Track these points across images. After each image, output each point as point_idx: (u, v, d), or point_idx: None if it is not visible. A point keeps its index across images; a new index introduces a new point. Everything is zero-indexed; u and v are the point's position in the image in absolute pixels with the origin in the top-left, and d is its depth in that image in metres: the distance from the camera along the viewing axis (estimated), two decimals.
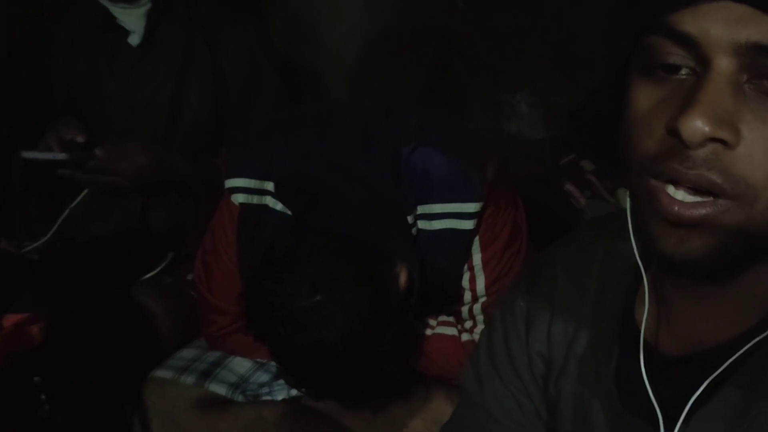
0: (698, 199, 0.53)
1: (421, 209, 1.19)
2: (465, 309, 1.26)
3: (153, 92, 1.53)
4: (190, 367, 1.34)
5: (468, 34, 1.92)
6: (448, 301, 1.27)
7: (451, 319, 1.29)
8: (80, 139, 1.44)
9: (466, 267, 1.23)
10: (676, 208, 0.54)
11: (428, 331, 1.28)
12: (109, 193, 1.50)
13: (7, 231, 1.54)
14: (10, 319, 0.99)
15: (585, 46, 1.71)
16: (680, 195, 0.54)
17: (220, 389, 1.32)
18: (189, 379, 1.32)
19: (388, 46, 1.92)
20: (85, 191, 1.55)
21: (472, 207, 1.17)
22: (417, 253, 1.18)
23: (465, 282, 1.23)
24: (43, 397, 1.04)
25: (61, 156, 1.43)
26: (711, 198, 0.53)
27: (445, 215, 1.18)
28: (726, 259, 0.55)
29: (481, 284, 1.23)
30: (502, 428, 0.79)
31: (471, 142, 1.24)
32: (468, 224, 1.18)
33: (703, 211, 0.53)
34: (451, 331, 1.27)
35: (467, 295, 1.24)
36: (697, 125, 0.51)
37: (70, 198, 1.55)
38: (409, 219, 1.18)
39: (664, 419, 0.61)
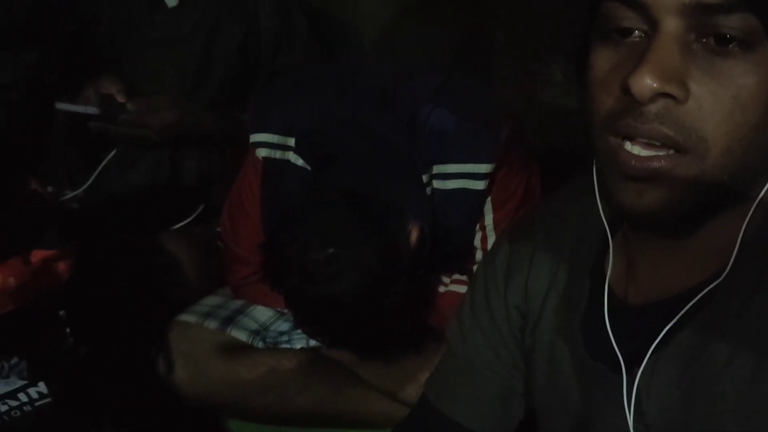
0: (653, 153, 0.57)
1: (436, 169, 1.22)
2: (476, 268, 1.29)
3: (185, 41, 1.57)
4: (214, 313, 1.41)
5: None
6: (460, 260, 1.30)
7: (464, 277, 1.32)
8: (120, 98, 1.48)
9: (478, 227, 1.26)
10: (633, 162, 0.57)
11: (442, 288, 1.32)
12: (138, 145, 1.55)
13: (51, 178, 1.61)
14: (38, 255, 1.04)
15: None
16: (636, 150, 0.57)
17: (241, 335, 1.38)
18: (212, 324, 1.38)
19: (424, 8, 1.93)
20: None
21: (484, 168, 1.19)
22: (430, 212, 1.21)
23: (477, 242, 1.26)
24: (67, 330, 1.10)
25: (92, 110, 1.47)
26: (665, 152, 0.56)
27: (459, 175, 1.21)
28: (681, 212, 0.59)
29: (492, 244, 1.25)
30: (483, 378, 0.82)
31: (486, 104, 1.26)
32: (480, 185, 1.21)
33: (657, 164, 0.56)
34: (463, 289, 1.30)
35: (479, 255, 1.27)
36: (645, 82, 0.54)
37: (108, 149, 1.61)
38: (425, 178, 1.21)
39: (626, 364, 0.65)
